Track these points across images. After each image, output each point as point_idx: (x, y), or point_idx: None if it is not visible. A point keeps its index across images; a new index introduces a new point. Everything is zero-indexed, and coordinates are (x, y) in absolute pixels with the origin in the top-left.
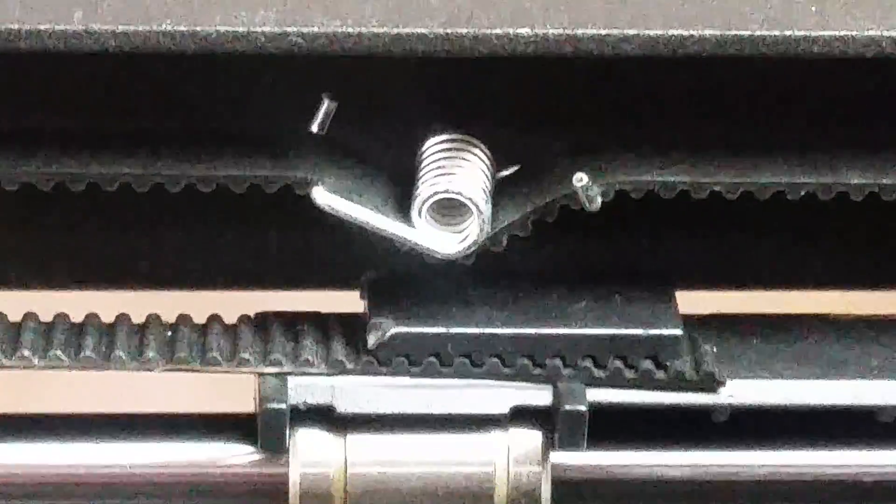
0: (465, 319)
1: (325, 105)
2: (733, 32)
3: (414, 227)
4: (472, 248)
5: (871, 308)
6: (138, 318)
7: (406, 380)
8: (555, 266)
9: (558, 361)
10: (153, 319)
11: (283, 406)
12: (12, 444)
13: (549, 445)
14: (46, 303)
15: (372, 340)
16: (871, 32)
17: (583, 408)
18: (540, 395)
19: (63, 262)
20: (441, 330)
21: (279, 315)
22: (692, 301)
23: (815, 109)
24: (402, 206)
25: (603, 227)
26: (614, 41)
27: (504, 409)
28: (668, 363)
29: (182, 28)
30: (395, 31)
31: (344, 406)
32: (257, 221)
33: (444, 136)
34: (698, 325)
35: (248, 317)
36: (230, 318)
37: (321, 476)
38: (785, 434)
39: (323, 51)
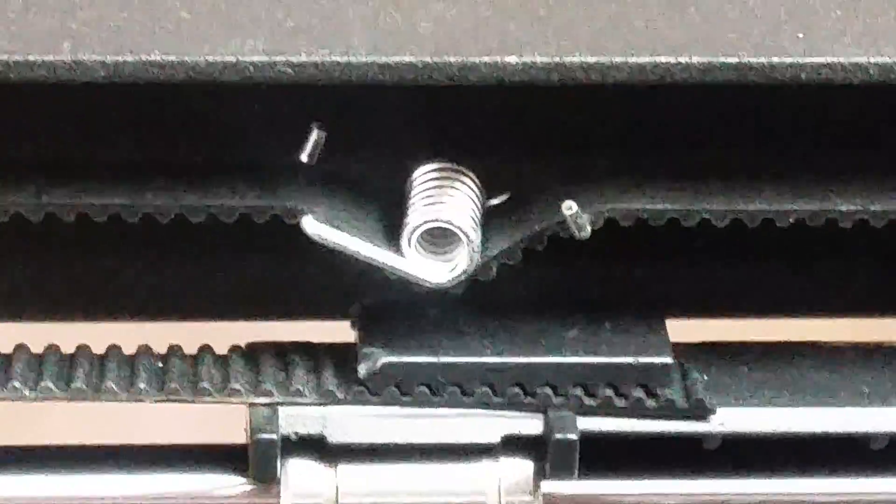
0: (455, 348)
1: (314, 134)
2: (721, 59)
3: (404, 256)
4: (462, 277)
5: (861, 335)
6: (129, 349)
7: (397, 409)
8: (545, 294)
9: (549, 390)
10: (144, 350)
11: (274, 436)
12: (3, 475)
13: (540, 474)
14: (37, 334)
15: (363, 370)
16: (858, 59)
17: (574, 436)
18: (531, 424)
19: (53, 294)
20: (432, 359)
21: (270, 345)
22: (682, 329)
23: (803, 136)
24: (391, 235)
25: (593, 255)
26: (602, 69)
27: (495, 438)
28: (658, 391)
29: (170, 58)
30: (384, 59)
31: (335, 436)
32: (247, 252)
33: (434, 165)
34: (689, 353)
35: (239, 347)
36: (221, 349)
37: None
38: (777, 462)
39: (311, 80)
